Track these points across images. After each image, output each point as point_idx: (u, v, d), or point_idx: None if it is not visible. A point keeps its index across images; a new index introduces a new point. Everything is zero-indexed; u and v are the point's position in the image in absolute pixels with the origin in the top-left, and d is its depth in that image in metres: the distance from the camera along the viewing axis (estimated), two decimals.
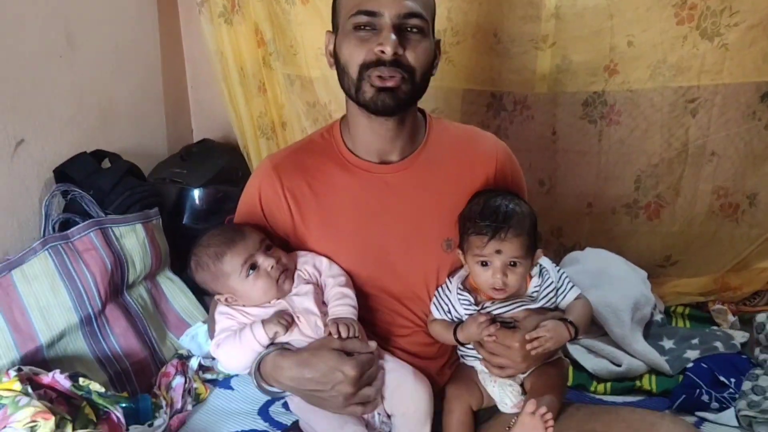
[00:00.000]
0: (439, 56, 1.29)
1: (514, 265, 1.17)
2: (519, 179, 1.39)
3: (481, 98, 2.17)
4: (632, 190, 2.12)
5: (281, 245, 1.28)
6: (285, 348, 1.17)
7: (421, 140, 1.31)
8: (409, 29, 1.16)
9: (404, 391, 1.20)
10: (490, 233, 1.15)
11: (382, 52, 1.14)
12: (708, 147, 2.01)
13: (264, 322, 1.15)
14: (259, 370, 1.18)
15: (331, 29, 1.28)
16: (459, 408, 1.23)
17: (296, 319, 1.18)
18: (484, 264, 1.18)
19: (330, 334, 1.15)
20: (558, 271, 1.24)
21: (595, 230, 2.20)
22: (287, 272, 1.21)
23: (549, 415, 1.08)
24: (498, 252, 1.16)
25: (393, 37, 1.14)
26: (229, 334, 1.19)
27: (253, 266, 1.19)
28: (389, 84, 1.16)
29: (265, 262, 1.19)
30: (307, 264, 1.25)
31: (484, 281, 1.19)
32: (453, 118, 2.13)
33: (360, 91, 1.19)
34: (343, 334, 1.14)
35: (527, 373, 1.21)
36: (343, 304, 1.20)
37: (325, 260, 1.26)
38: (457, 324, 1.22)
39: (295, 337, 1.18)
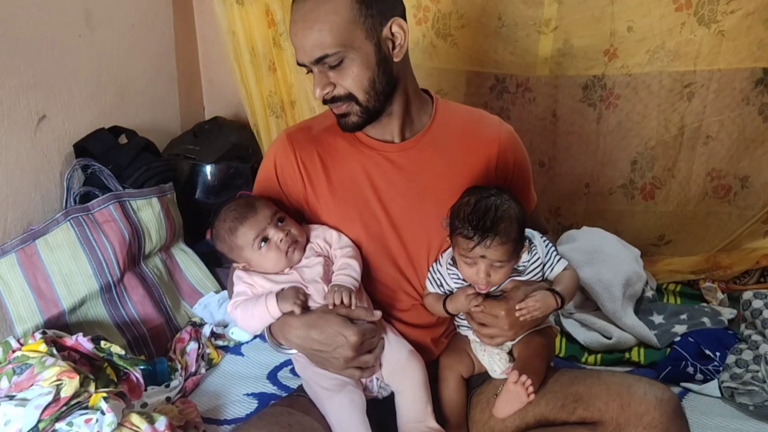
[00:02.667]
0: (404, 37, 1.25)
1: (499, 266, 1.21)
2: (522, 163, 1.42)
3: (485, 80, 2.22)
4: (629, 172, 2.18)
5: (295, 215, 1.36)
6: None
7: (427, 121, 1.36)
8: (329, 66, 1.22)
9: (399, 368, 1.28)
10: (476, 240, 1.17)
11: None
12: (703, 131, 2.06)
13: (278, 296, 1.22)
14: (270, 327, 1.27)
15: None
16: (451, 376, 1.31)
17: (305, 288, 1.26)
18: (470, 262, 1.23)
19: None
20: (546, 245, 1.29)
21: (592, 210, 2.27)
22: (297, 244, 1.28)
23: (529, 382, 1.15)
24: (483, 257, 1.19)
25: (317, 83, 1.23)
26: (247, 298, 1.27)
27: (265, 239, 1.26)
28: (340, 112, 1.27)
29: (276, 236, 1.26)
30: (318, 237, 1.32)
31: (469, 277, 1.24)
32: (457, 100, 2.19)
33: (333, 112, 1.31)
34: (337, 301, 1.21)
35: (515, 341, 1.27)
36: (344, 273, 1.27)
37: (335, 233, 1.33)
38: (446, 296, 1.28)
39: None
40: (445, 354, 1.36)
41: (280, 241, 1.25)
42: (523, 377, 1.15)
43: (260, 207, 1.28)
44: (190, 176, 2.23)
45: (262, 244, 1.26)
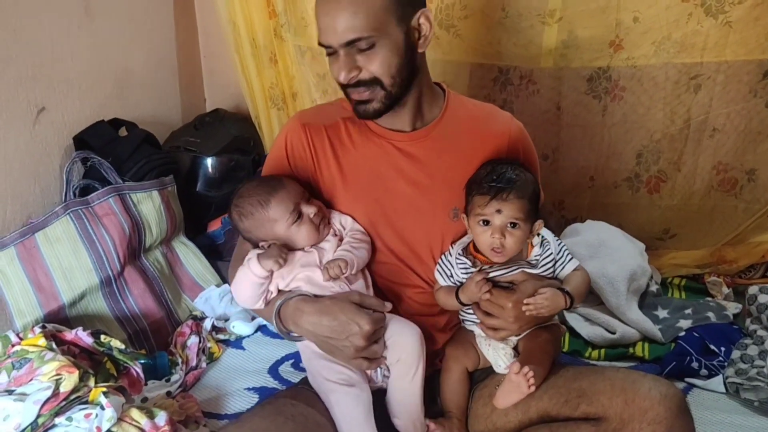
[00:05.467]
0: (429, 28, 1.26)
1: (514, 226, 1.22)
2: (531, 160, 1.43)
3: (489, 72, 2.20)
4: (634, 165, 2.16)
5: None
6: (307, 295, 1.25)
7: (438, 113, 1.37)
8: (358, 49, 1.21)
9: (397, 339, 1.27)
10: (492, 192, 1.21)
11: (335, 76, 1.23)
12: (709, 123, 2.04)
13: (260, 256, 1.23)
14: (279, 314, 1.26)
15: None
16: (456, 367, 1.31)
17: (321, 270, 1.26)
18: (486, 223, 1.23)
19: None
20: (558, 243, 1.29)
21: (596, 203, 2.25)
22: (325, 219, 1.30)
23: (531, 373, 1.14)
24: (498, 211, 1.21)
25: (343, 66, 1.21)
26: (241, 266, 1.27)
27: (299, 214, 1.27)
28: (362, 98, 1.26)
29: (308, 210, 1.27)
30: (333, 219, 1.33)
31: (484, 241, 1.23)
32: (461, 92, 2.13)
33: (349, 99, 1.29)
34: (332, 275, 1.22)
35: (521, 336, 1.27)
36: (341, 249, 1.28)
37: (349, 219, 1.34)
38: (459, 286, 1.28)
39: (316, 289, 1.26)
40: (452, 345, 1.35)
41: (313, 215, 1.27)
42: (525, 368, 1.15)
43: (287, 182, 1.30)
44: (191, 169, 2.21)
45: (297, 218, 1.26)
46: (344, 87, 1.27)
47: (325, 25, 1.20)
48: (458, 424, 1.28)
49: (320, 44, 1.23)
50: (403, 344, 1.26)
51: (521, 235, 1.23)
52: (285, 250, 1.24)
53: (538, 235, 1.28)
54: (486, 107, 1.46)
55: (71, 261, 1.70)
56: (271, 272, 1.25)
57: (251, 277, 1.24)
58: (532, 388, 1.15)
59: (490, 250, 1.23)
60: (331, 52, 1.23)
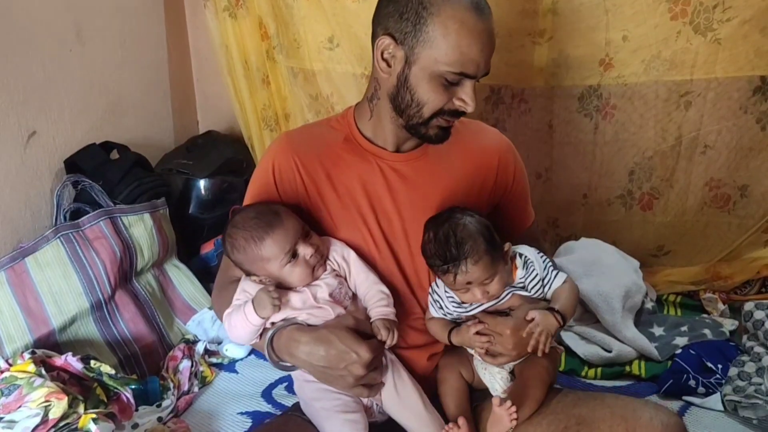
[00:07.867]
0: None
1: (489, 281, 1.19)
2: (522, 175, 1.43)
3: (480, 91, 2.18)
4: (626, 182, 2.16)
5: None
6: (301, 324, 1.21)
7: None
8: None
9: (396, 397, 1.24)
10: (452, 271, 1.16)
11: (465, 105, 1.20)
12: (700, 140, 2.04)
13: (254, 302, 1.17)
14: (272, 343, 1.21)
15: (385, 32, 1.20)
16: (451, 376, 1.28)
17: (315, 305, 1.21)
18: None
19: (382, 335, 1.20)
20: (543, 260, 1.26)
21: (590, 221, 2.24)
22: (322, 259, 1.23)
23: (513, 409, 1.10)
24: (468, 283, 1.18)
25: (474, 94, 1.20)
26: (235, 308, 1.22)
27: (294, 254, 1.20)
28: (450, 125, 1.25)
29: (305, 251, 1.19)
30: (335, 252, 1.27)
31: (469, 300, 1.22)
32: None
33: (426, 126, 1.23)
34: (385, 338, 1.18)
35: (518, 361, 1.24)
36: (386, 305, 1.23)
37: (353, 254, 1.28)
38: (451, 328, 1.26)
39: (312, 321, 1.22)
40: (445, 355, 1.33)
41: (310, 256, 1.20)
42: (507, 403, 1.11)
43: (287, 218, 1.21)
44: (184, 191, 2.20)
45: (292, 259, 1.19)
46: (441, 115, 1.22)
47: (473, 56, 1.16)
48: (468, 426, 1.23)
49: (462, 73, 1.17)
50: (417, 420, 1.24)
51: (500, 279, 1.20)
52: (276, 293, 1.16)
53: (520, 256, 1.25)
54: (473, 124, 1.44)
55: (61, 285, 1.68)
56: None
57: (248, 325, 1.18)
58: (514, 423, 1.11)
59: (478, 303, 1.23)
60: (456, 82, 1.18)
